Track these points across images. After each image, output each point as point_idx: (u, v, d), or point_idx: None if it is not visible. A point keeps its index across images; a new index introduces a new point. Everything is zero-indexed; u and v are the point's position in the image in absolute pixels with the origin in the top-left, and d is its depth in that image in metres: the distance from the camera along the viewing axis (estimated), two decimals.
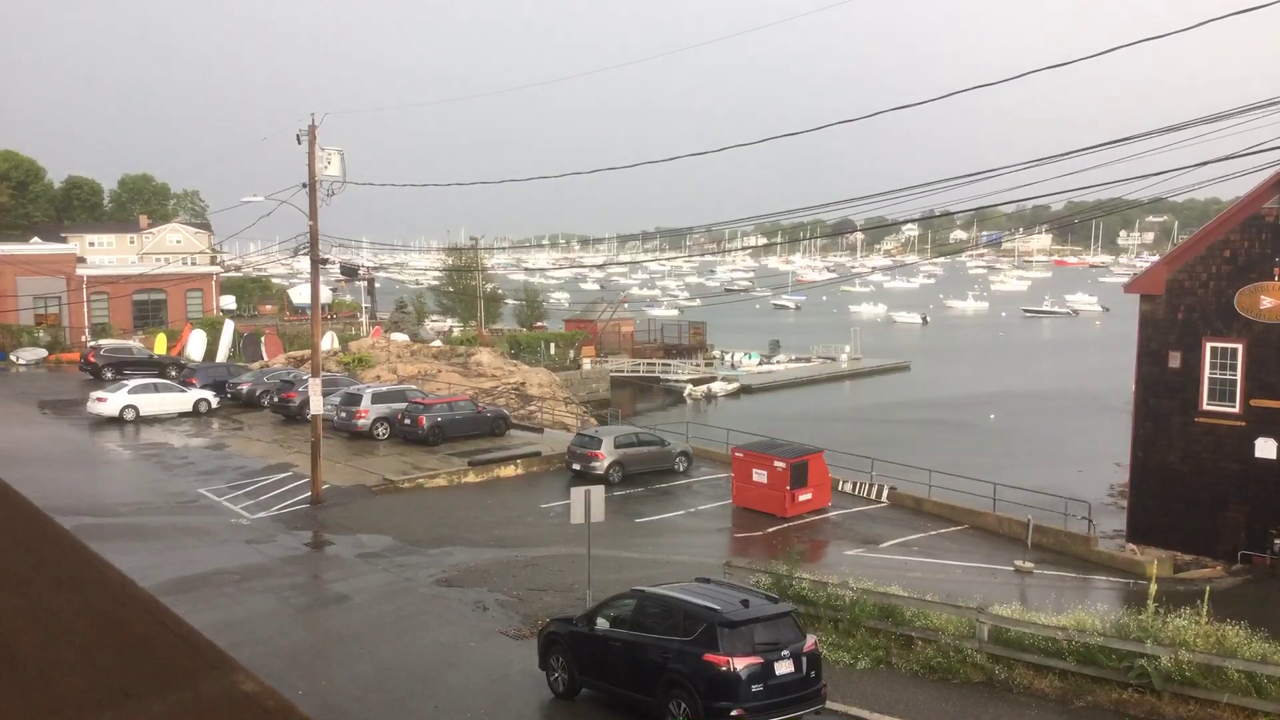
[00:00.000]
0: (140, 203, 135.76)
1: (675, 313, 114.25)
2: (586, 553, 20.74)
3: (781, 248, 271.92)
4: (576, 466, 34.40)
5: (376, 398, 40.92)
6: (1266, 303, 27.13)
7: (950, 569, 26.55)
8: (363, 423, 39.95)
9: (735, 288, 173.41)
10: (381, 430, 40.10)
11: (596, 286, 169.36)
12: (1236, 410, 27.88)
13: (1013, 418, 60.65)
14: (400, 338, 69.21)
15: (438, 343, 67.70)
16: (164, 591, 20.61)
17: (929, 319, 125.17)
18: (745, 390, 73.61)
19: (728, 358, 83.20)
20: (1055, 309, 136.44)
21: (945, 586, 23.42)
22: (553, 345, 74.02)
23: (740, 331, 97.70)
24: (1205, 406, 28.42)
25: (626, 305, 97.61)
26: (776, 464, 30.80)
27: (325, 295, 73.59)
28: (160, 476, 34.72)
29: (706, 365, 79.13)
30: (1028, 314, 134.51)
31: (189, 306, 75.50)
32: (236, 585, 23.28)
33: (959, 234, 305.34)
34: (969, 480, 32.98)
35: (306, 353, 54.27)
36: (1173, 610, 18.19)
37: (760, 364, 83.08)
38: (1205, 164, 18.99)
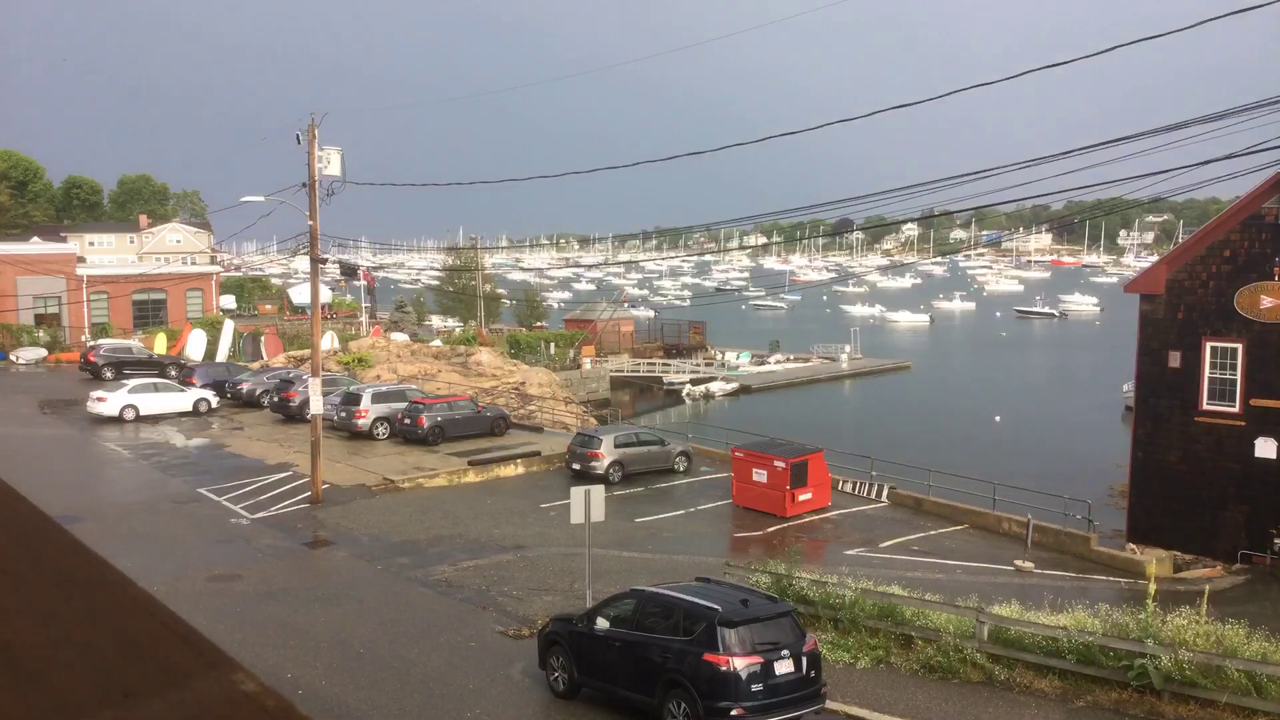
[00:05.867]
0: (140, 203, 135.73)
1: (651, 314, 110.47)
2: (587, 553, 20.74)
3: (780, 247, 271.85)
4: (576, 466, 34.38)
5: (376, 397, 40.93)
6: (1266, 302, 27.13)
7: (950, 569, 26.53)
8: (362, 422, 39.97)
9: (730, 288, 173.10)
10: (381, 430, 40.11)
11: (593, 286, 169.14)
12: (1236, 410, 27.87)
13: (1016, 419, 60.64)
14: (400, 338, 69.23)
15: (437, 342, 67.72)
16: (164, 591, 20.60)
17: (934, 319, 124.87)
18: (745, 390, 73.63)
19: (726, 357, 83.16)
20: (1047, 309, 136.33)
21: (945, 586, 23.43)
22: (553, 345, 74.01)
23: (735, 333, 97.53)
24: (1205, 406, 28.41)
25: (627, 304, 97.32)
26: (776, 463, 30.79)
27: (325, 295, 73.58)
28: (160, 476, 34.72)
29: (706, 365, 79.14)
30: (1020, 314, 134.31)
31: (189, 306, 75.58)
32: (236, 585, 23.29)
33: (959, 233, 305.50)
34: (969, 480, 32.98)
35: (306, 352, 54.29)
36: (1172, 610, 18.19)
37: (756, 362, 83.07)
38: (1205, 164, 18.98)
